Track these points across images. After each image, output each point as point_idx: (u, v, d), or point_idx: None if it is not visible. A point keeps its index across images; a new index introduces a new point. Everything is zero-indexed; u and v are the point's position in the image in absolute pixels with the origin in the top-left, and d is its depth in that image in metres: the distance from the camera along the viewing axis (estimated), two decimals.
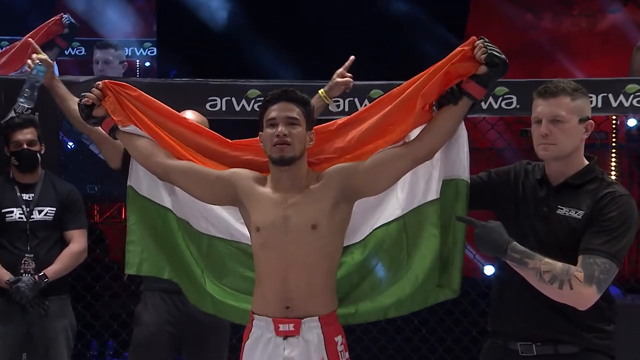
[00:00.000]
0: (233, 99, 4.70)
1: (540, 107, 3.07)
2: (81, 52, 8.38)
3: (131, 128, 3.30)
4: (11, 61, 5.23)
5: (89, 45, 7.60)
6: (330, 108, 4.21)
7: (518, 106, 4.73)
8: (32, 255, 4.33)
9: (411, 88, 3.15)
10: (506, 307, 3.14)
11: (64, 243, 4.44)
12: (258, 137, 3.16)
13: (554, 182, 3.13)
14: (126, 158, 3.90)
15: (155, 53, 8.60)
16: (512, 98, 4.74)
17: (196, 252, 3.45)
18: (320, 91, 4.10)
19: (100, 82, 3.31)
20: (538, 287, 2.95)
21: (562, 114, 3.03)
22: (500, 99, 4.74)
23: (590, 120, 3.10)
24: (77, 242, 4.41)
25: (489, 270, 5.78)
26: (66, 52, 7.45)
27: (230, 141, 3.30)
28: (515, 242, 2.94)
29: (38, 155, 4.42)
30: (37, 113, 4.48)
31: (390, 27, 7.94)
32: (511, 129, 5.32)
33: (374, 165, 3.14)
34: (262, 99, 4.64)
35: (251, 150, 3.26)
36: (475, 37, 3.09)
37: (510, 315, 3.12)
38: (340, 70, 4.12)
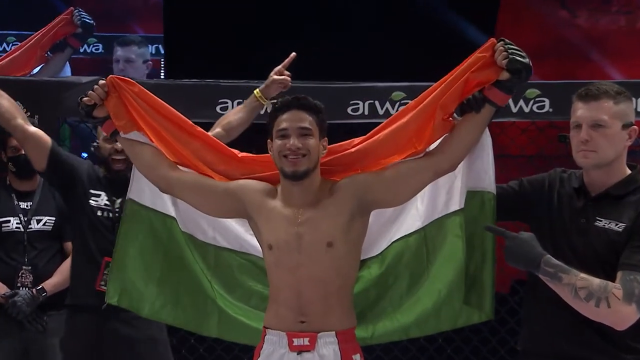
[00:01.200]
0: (275, 101, 4.71)
1: (581, 111, 3.05)
2: (98, 49, 8.09)
3: (134, 134, 3.27)
4: (17, 63, 5.26)
5: (108, 42, 7.47)
6: (268, 108, 4.03)
7: (551, 110, 4.72)
8: (29, 268, 4.34)
9: (429, 98, 3.13)
10: (539, 325, 3.13)
11: (64, 254, 4.45)
12: (269, 154, 3.15)
13: (593, 191, 3.11)
14: (52, 158, 3.97)
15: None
16: (544, 101, 4.72)
17: (203, 265, 3.45)
18: (255, 91, 4.01)
19: (103, 79, 3.27)
20: (573, 304, 2.93)
21: (604, 119, 3.01)
22: (532, 102, 4.73)
23: (635, 126, 3.08)
24: None
25: (520, 285, 5.75)
26: (81, 50, 7.41)
27: (238, 155, 3.27)
28: (549, 256, 2.92)
29: None
30: (36, 116, 4.50)
31: (413, 24, 7.92)
32: (544, 134, 5.29)
33: (393, 178, 3.12)
34: (275, 101, 4.67)
35: (261, 166, 3.23)
36: (494, 40, 3.06)
37: (543, 334, 3.10)
38: (279, 67, 4.01)
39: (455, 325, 3.32)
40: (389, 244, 3.36)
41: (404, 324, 3.32)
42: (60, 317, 4.37)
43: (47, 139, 4.02)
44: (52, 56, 5.63)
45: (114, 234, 3.84)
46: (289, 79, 4.01)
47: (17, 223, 4.39)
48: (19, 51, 5.40)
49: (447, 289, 3.25)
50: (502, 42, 3.03)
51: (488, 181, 3.23)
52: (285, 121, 3.06)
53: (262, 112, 4.05)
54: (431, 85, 3.17)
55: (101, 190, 4.12)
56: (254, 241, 3.31)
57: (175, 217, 3.44)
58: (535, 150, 5.50)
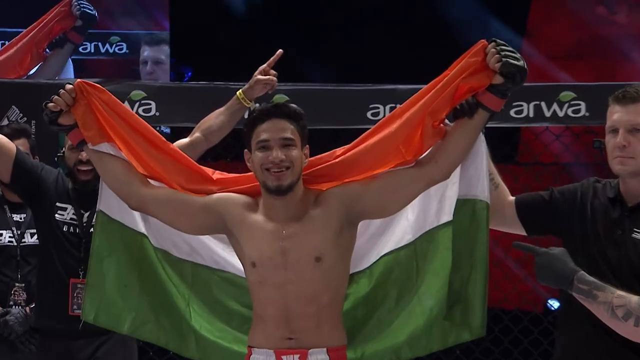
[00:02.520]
0: (257, 105, 4.70)
1: (617, 115, 3.05)
2: (122, 49, 7.72)
3: (103, 147, 3.24)
4: (9, 65, 5.25)
5: (134, 41, 7.32)
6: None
7: (587, 114, 4.71)
8: (22, 285, 4.32)
9: (417, 105, 3.12)
10: (573, 347, 3.12)
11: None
12: (249, 173, 3.13)
13: (630, 201, 3.10)
14: (16, 169, 3.92)
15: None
16: (580, 104, 4.72)
17: (179, 283, 3.43)
18: (238, 92, 3.95)
19: (71, 83, 3.21)
20: (609, 323, 2.92)
21: None
22: (567, 105, 4.73)
23: None
24: None
25: (553, 304, 5.75)
26: (102, 49, 7.26)
27: (212, 176, 3.23)
28: (582, 272, 2.91)
29: None
30: (33, 121, 4.53)
31: (439, 21, 7.94)
32: (580, 141, 5.29)
33: (382, 188, 3.11)
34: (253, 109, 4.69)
35: (239, 186, 3.21)
36: (485, 42, 3.05)
37: (579, 356, 3.09)
38: (263, 66, 3.94)
39: (446, 344, 3.29)
40: (378, 257, 3.36)
41: (395, 344, 3.29)
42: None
43: (10, 147, 3.95)
44: (51, 54, 5.60)
45: (81, 251, 3.85)
46: (274, 79, 3.95)
47: (9, 236, 4.38)
48: (11, 50, 5.38)
49: (439, 307, 3.24)
50: (493, 44, 3.02)
51: (481, 189, 3.19)
52: (265, 132, 3.03)
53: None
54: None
55: (68, 203, 4.06)
56: (230, 258, 3.31)
57: (146, 233, 3.42)
58: (571, 158, 5.49)
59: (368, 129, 3.30)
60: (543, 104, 4.71)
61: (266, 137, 3.03)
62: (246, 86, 3.94)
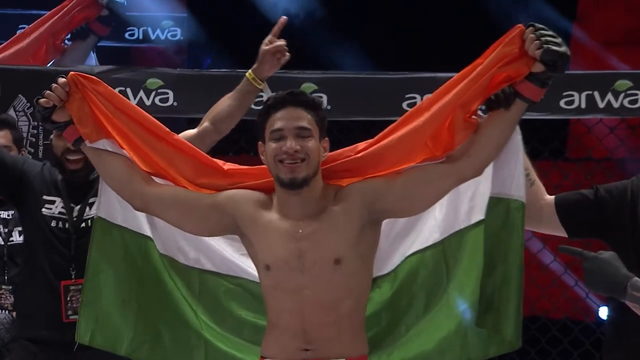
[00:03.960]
0: (270, 92, 4.72)
1: None
2: (175, 35, 7.65)
3: (101, 143, 3.22)
4: (22, 56, 5.22)
5: (191, 25, 7.26)
6: (264, 93, 3.83)
7: None
8: (10, 287, 4.31)
9: (447, 97, 3.07)
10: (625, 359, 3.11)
11: None
12: (262, 166, 3.11)
13: None
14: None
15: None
16: (637, 94, 4.69)
17: (186, 292, 3.43)
18: (247, 73, 3.79)
19: (64, 76, 3.18)
20: None
21: None
22: (622, 95, 4.70)
23: None
24: None
25: (603, 312, 5.73)
26: (152, 36, 7.14)
27: (223, 167, 3.21)
28: (636, 278, 2.89)
29: None
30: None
31: (481, 6, 7.92)
32: (636, 134, 5.26)
33: (409, 184, 3.08)
34: (319, 95, 4.68)
35: (252, 179, 3.19)
36: (522, 26, 3.00)
37: None
38: (268, 37, 3.76)
39: (487, 354, 3.26)
40: (403, 259, 3.35)
41: (423, 352, 3.26)
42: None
43: None
44: (70, 46, 5.54)
45: (72, 249, 3.82)
46: (283, 46, 3.73)
47: None
48: (24, 41, 5.34)
49: (472, 311, 3.21)
50: (531, 28, 2.97)
51: (516, 187, 3.16)
52: (279, 120, 3.01)
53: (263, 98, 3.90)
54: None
55: (56, 196, 3.99)
56: (243, 262, 3.30)
57: (152, 237, 3.42)
58: (626, 153, 5.46)
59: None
60: (596, 94, 4.68)
61: (280, 126, 3.01)
62: (255, 65, 3.78)
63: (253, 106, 3.84)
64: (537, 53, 2.94)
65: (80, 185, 3.86)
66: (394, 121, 3.34)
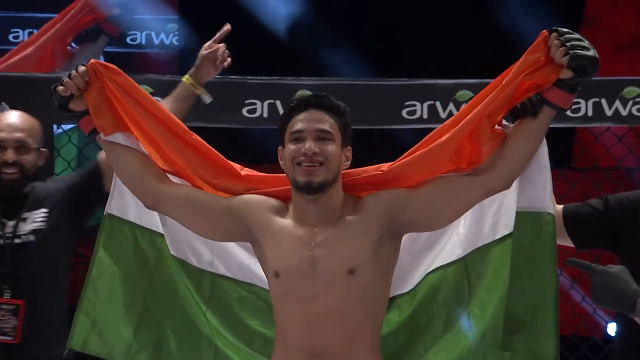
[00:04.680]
0: (277, 102, 4.73)
1: None
2: (179, 39, 7.73)
3: (116, 137, 3.24)
4: (25, 64, 5.18)
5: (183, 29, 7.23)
6: (203, 98, 3.85)
7: None
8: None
9: (472, 112, 3.05)
10: None
11: None
12: (281, 174, 3.11)
13: None
14: None
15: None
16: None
17: (198, 297, 3.42)
18: (184, 77, 3.82)
19: (84, 65, 3.19)
20: None
21: None
22: (631, 102, 4.69)
23: None
24: None
25: (611, 328, 5.72)
26: (156, 41, 7.11)
27: (241, 172, 3.22)
28: None
29: None
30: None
31: (481, 10, 7.93)
32: None
33: (432, 196, 3.07)
34: None
35: (269, 186, 3.20)
36: (546, 32, 2.98)
37: None
38: (208, 42, 3.83)
39: None
40: (423, 276, 3.33)
41: None
42: None
43: None
44: (79, 49, 5.54)
45: (6, 266, 3.81)
46: (223, 50, 3.82)
47: None
48: (28, 49, 5.31)
49: (493, 332, 3.19)
50: (555, 34, 2.94)
51: (546, 200, 3.16)
52: (300, 122, 3.03)
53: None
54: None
55: None
56: (259, 269, 3.27)
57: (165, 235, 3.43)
58: (635, 163, 5.46)
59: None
60: (604, 101, 4.68)
61: (300, 128, 3.03)
62: (191, 70, 3.82)
63: None
64: (564, 60, 2.92)
65: (13, 200, 3.85)
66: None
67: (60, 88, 3.19)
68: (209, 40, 3.83)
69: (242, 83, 4.76)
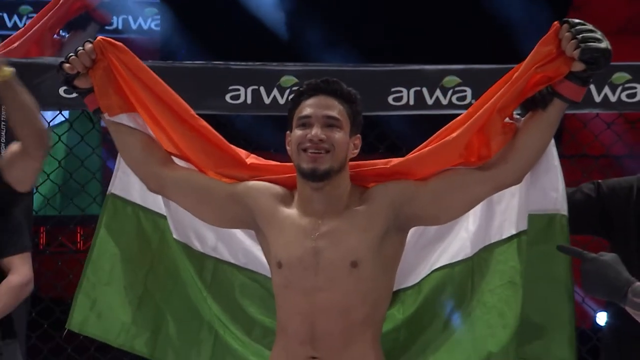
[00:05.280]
0: (261, 88, 4.71)
1: None
2: (159, 25, 7.58)
3: (120, 118, 3.23)
4: (15, 53, 5.17)
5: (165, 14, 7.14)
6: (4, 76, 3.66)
7: None
8: None
9: (483, 108, 3.05)
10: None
11: (1, 274, 4.39)
12: (289, 163, 3.11)
13: None
14: None
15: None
16: (635, 88, 4.68)
17: (199, 282, 3.42)
18: None
19: (91, 41, 3.18)
20: None
21: None
22: (620, 88, 4.68)
23: None
24: (18, 271, 4.20)
25: (602, 318, 5.72)
26: (133, 26, 7.07)
27: (246, 160, 3.22)
28: (638, 283, 2.89)
29: None
30: (3, 107, 4.49)
31: None
32: (635, 129, 5.26)
33: (440, 188, 3.07)
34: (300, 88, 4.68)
35: (274, 172, 3.20)
36: (557, 24, 2.96)
37: None
38: None
39: None
40: (429, 272, 3.33)
41: None
42: (6, 347, 4.20)
43: None
44: (69, 37, 5.51)
45: None
46: None
47: None
48: (16, 43, 5.28)
49: (496, 337, 3.19)
50: (566, 26, 2.92)
51: (560, 200, 3.18)
52: (309, 107, 3.04)
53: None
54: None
55: None
56: (263, 257, 3.26)
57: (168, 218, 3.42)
58: (624, 150, 5.46)
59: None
60: (593, 87, 4.66)
61: (308, 113, 3.03)
62: None
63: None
64: (576, 53, 2.89)
65: None
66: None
67: (66, 65, 3.18)
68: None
69: (225, 69, 4.73)
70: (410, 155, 3.11)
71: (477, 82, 4.49)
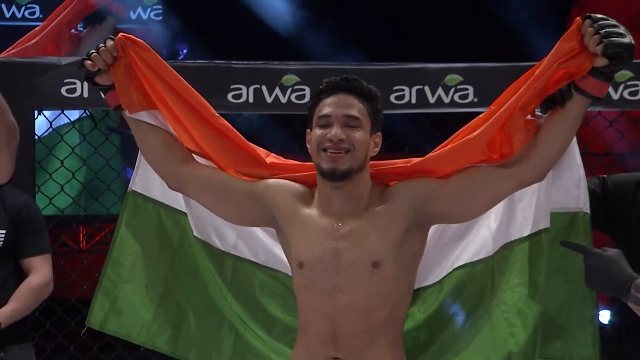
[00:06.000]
0: (264, 87, 4.73)
1: None
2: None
3: (141, 115, 3.22)
4: (32, 53, 5.20)
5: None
6: None
7: None
8: None
9: (505, 105, 3.03)
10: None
11: (20, 276, 4.43)
12: (310, 163, 3.09)
13: None
14: None
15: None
16: (638, 85, 4.70)
17: (220, 280, 3.44)
18: None
19: (112, 39, 3.18)
20: None
21: None
22: (622, 86, 4.69)
23: None
24: (39, 271, 4.29)
25: (604, 315, 5.73)
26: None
27: (266, 160, 3.21)
28: None
29: None
30: None
31: None
32: (638, 127, 5.27)
33: (464, 187, 3.04)
34: (301, 87, 4.69)
35: (294, 171, 3.18)
36: (580, 19, 2.93)
37: None
38: None
39: None
40: (451, 270, 3.33)
41: None
42: (21, 352, 4.33)
43: None
44: (87, 32, 5.54)
45: None
46: None
47: None
48: (36, 38, 5.31)
49: (516, 337, 3.21)
50: (589, 21, 2.89)
51: (583, 198, 3.19)
52: (328, 106, 3.01)
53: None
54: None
55: None
56: (284, 255, 3.25)
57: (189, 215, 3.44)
58: (627, 148, 5.47)
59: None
60: None
61: (328, 112, 3.01)
62: None
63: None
64: (598, 49, 2.87)
65: None
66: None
67: (87, 62, 3.19)
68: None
69: (227, 68, 4.75)
70: (431, 154, 3.10)
71: (479, 80, 4.51)
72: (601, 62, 2.89)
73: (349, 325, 3.02)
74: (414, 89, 4.67)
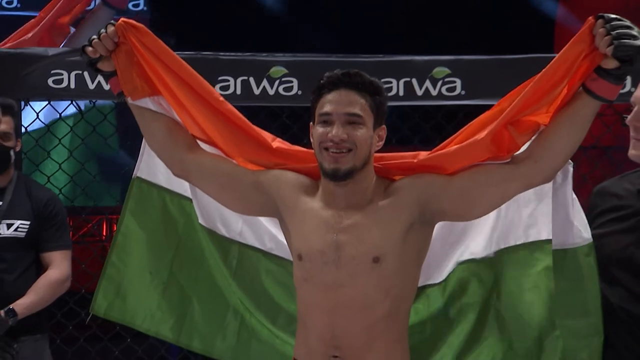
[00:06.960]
0: (251, 78, 4.74)
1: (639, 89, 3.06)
2: (138, 5, 7.50)
3: (144, 102, 3.20)
4: (28, 44, 5.22)
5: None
6: None
7: (633, 89, 4.66)
8: None
9: (511, 106, 2.97)
10: (628, 352, 3.16)
11: (39, 268, 4.46)
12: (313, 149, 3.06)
13: None
14: None
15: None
16: (625, 78, 4.73)
17: (224, 267, 3.45)
18: None
19: (113, 24, 3.15)
20: None
21: None
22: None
23: None
24: (58, 266, 4.40)
25: None
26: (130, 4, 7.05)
27: (272, 144, 3.17)
28: None
29: (12, 152, 4.40)
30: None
31: None
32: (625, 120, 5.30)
33: (470, 185, 3.00)
34: (289, 79, 4.72)
35: (300, 161, 3.15)
36: (592, 19, 2.85)
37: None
38: None
39: None
40: (454, 267, 3.34)
41: None
42: (35, 343, 4.38)
43: None
44: (80, 23, 5.57)
45: None
46: None
47: None
48: (32, 31, 5.32)
49: (524, 343, 3.23)
50: (601, 21, 2.81)
51: (577, 233, 3.22)
52: (329, 103, 2.96)
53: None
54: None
55: None
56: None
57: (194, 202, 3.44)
58: (613, 141, 5.50)
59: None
60: None
61: (329, 110, 2.96)
62: None
63: None
64: (609, 50, 2.80)
65: None
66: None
67: (89, 49, 3.16)
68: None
69: (214, 59, 4.76)
70: (439, 151, 3.07)
71: (467, 72, 4.53)
72: (611, 63, 2.84)
73: (348, 321, 2.99)
74: (401, 82, 4.69)
